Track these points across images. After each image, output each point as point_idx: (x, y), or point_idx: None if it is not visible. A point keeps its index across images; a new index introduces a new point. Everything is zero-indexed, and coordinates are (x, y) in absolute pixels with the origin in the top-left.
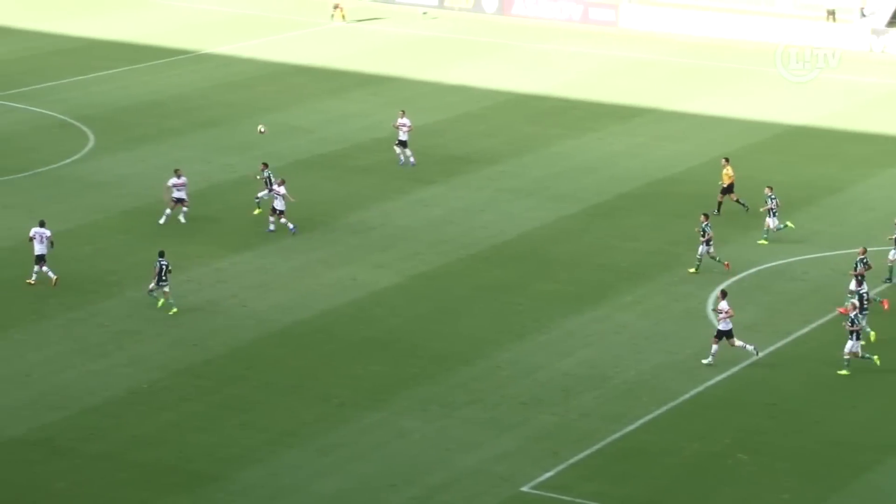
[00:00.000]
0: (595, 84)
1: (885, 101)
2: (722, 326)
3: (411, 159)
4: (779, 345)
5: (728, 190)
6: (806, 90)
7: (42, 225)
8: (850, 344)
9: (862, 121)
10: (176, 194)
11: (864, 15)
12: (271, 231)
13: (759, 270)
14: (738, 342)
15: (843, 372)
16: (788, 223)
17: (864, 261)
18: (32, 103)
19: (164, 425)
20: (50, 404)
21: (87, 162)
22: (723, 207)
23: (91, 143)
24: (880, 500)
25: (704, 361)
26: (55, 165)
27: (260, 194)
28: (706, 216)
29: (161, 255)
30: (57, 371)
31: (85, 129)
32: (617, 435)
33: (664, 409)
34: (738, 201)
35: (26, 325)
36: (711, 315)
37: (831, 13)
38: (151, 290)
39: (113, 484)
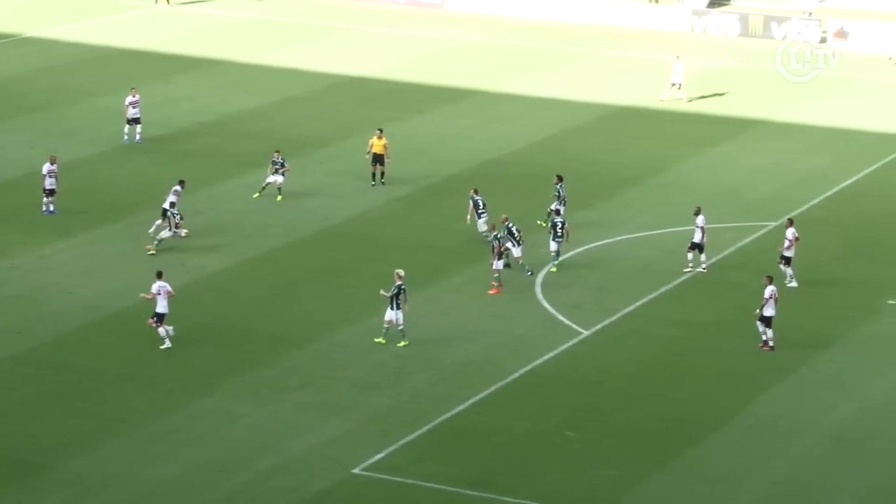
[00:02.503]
0: (423, 66)
1: (705, 81)
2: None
3: (137, 137)
4: (605, 322)
5: (378, 160)
6: (627, 71)
7: None
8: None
9: (683, 101)
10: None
11: None
12: (52, 213)
13: (586, 250)
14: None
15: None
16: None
17: (509, 227)
18: None
19: None
20: None
21: None
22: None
23: None
24: (704, 474)
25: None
26: None
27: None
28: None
29: None
30: None
31: None
32: (447, 415)
33: (493, 388)
34: (381, 174)
35: None
36: (541, 298)
37: None
38: None
39: None
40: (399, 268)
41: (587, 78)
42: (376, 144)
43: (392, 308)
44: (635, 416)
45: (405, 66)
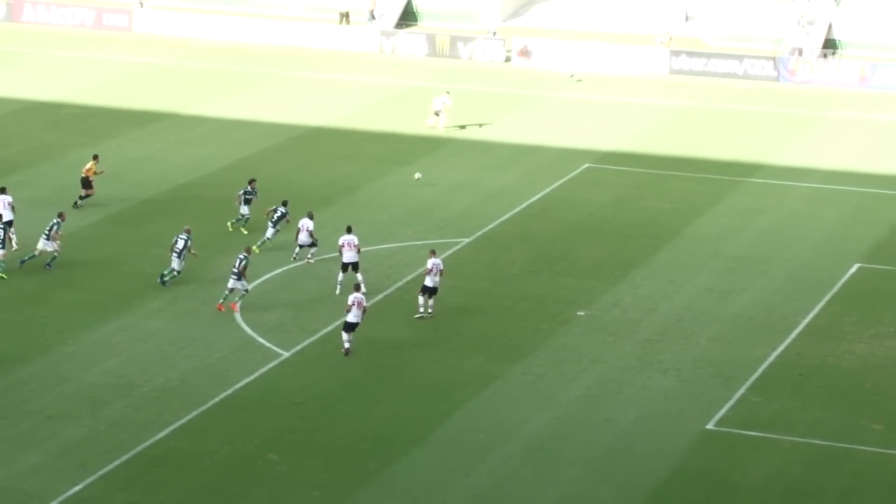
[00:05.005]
0: (112, 90)
1: (395, 100)
2: None
3: None
4: (306, 343)
5: (87, 185)
6: (322, 92)
7: None
8: None
9: (375, 121)
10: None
11: (374, 17)
12: None
13: (284, 271)
14: None
15: None
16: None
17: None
18: None
19: None
20: None
21: None
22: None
23: None
24: (406, 490)
25: None
26: None
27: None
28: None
29: None
30: None
31: None
32: (147, 443)
33: (194, 413)
34: (82, 197)
35: None
36: (240, 319)
37: (345, 16)
38: None
39: None
40: (95, 294)
41: (279, 100)
42: (92, 169)
43: None
44: (338, 434)
45: (94, 91)
